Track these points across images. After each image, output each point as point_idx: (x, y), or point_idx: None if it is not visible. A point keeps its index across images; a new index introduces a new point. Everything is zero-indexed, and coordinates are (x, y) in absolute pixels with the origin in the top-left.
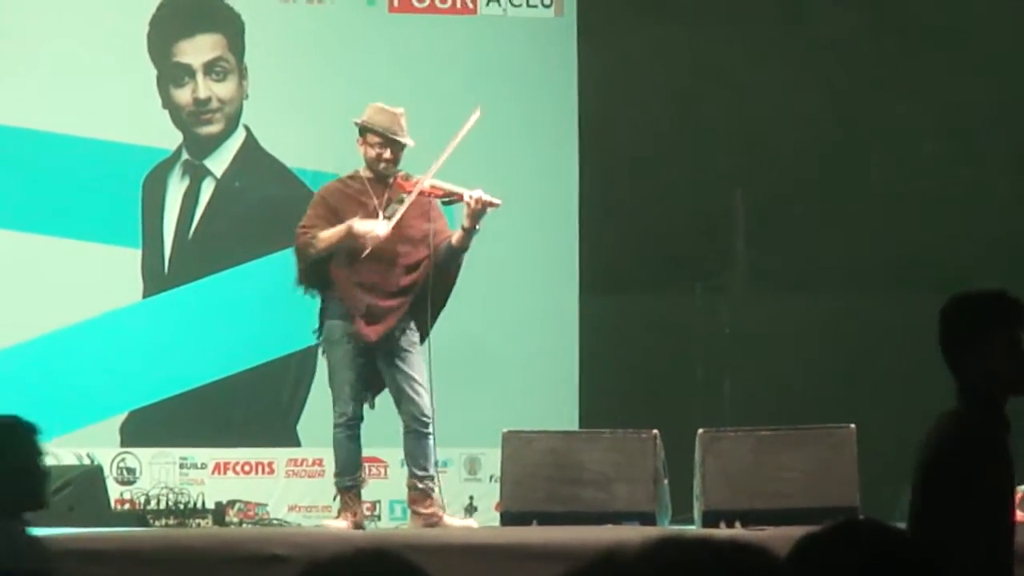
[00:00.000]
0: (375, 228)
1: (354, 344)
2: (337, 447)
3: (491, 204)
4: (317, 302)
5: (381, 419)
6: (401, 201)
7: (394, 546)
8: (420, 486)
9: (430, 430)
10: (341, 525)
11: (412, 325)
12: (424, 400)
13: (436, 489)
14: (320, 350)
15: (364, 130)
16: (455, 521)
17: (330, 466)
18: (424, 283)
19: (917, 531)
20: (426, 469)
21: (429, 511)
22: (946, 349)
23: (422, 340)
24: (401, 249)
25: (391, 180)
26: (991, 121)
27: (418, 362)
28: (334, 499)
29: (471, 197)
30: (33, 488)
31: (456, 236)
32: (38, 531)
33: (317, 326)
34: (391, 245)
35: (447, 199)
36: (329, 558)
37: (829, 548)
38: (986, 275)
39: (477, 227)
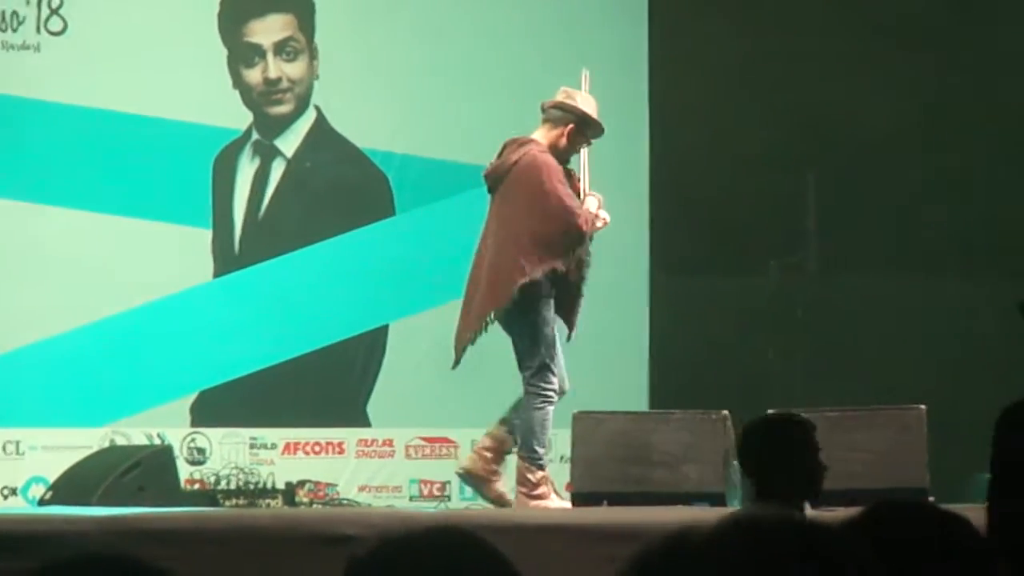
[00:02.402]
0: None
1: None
2: (546, 423)
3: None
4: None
5: (451, 400)
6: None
7: (465, 525)
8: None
9: None
10: (566, 503)
11: None
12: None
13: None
14: (529, 324)
15: (587, 123)
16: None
17: (400, 446)
18: None
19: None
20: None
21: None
22: None
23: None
24: None
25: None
26: None
27: None
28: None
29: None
30: (810, 480)
31: None
32: (107, 510)
33: (519, 298)
34: None
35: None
36: (401, 534)
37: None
38: None
39: None
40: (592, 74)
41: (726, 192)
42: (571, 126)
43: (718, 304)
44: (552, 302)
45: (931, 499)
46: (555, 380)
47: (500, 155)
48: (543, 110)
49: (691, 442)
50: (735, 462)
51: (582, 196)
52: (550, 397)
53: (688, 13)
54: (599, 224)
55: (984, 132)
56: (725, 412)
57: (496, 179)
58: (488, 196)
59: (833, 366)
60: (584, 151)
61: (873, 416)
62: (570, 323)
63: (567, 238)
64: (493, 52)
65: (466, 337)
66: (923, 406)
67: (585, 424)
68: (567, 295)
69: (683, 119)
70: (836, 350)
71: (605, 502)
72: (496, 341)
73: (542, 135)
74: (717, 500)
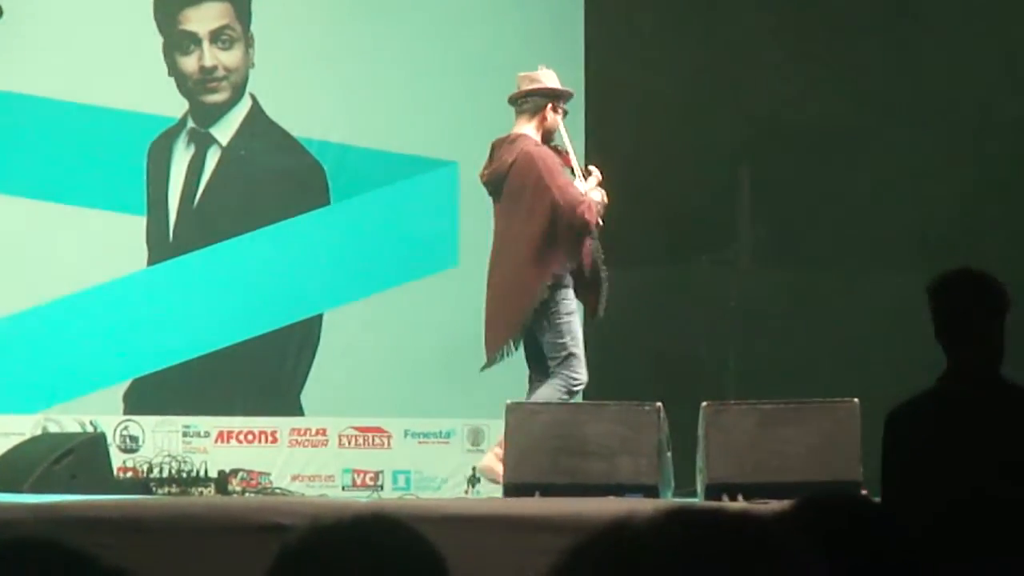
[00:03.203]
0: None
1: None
2: None
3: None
4: (317, 272)
5: (384, 390)
6: (573, 173)
7: (397, 514)
8: None
9: None
10: None
11: None
12: None
13: None
14: (550, 316)
15: (560, 96)
16: None
17: (333, 436)
18: None
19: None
20: None
21: None
22: (945, 324)
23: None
24: None
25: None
26: (999, 96)
27: None
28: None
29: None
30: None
31: None
32: (40, 498)
33: (550, 295)
34: None
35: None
36: (330, 522)
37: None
38: (990, 253)
39: None
40: (528, 65)
41: (660, 185)
42: (548, 105)
43: (651, 296)
44: (571, 291)
45: (865, 492)
46: (582, 371)
47: (492, 157)
48: (513, 103)
49: (625, 433)
50: (668, 454)
51: (577, 172)
52: (575, 386)
53: (624, 6)
54: (598, 208)
55: (920, 127)
56: (659, 404)
57: (496, 182)
58: (491, 201)
59: (766, 359)
60: (561, 123)
61: (806, 409)
62: (595, 306)
63: (573, 230)
64: (429, 41)
65: (499, 346)
66: (856, 399)
67: (519, 415)
68: (586, 282)
69: (618, 112)
70: (769, 342)
71: (537, 493)
72: (428, 333)
73: (525, 127)
74: (650, 492)
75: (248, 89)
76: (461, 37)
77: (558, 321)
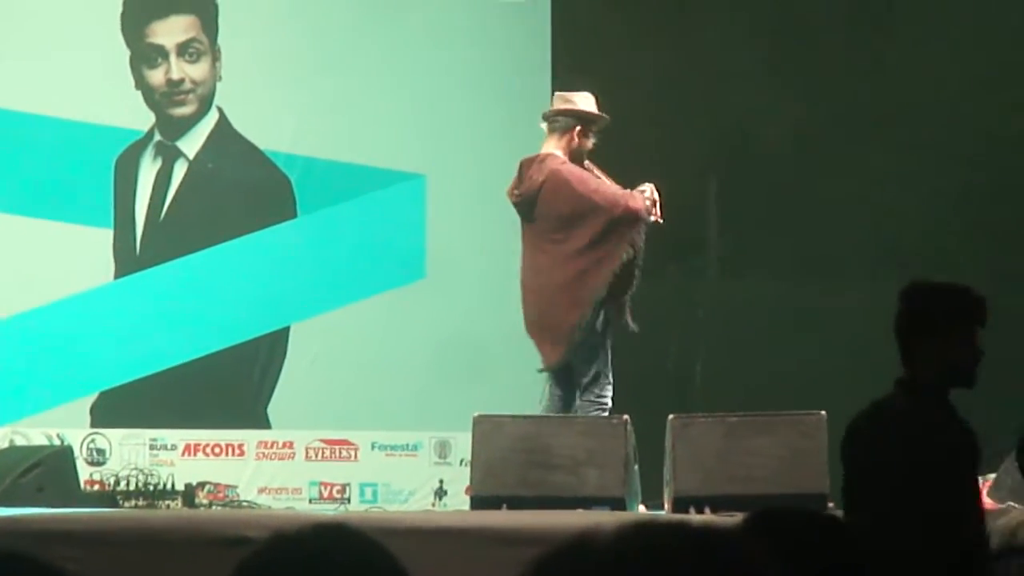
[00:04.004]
0: None
1: None
2: None
3: None
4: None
5: (351, 402)
6: None
7: (363, 528)
8: None
9: None
10: None
11: None
12: None
13: None
14: (595, 340)
15: (591, 120)
16: None
17: (300, 448)
18: None
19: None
20: None
21: None
22: (906, 333)
23: None
24: None
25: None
26: (969, 106)
27: None
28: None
29: None
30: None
31: None
32: (7, 511)
33: (598, 314)
34: None
35: None
36: (292, 534)
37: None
38: (963, 264)
39: None
40: (494, 80)
41: None
42: (578, 127)
43: None
44: (602, 312)
45: (832, 505)
46: (609, 389)
47: (520, 176)
48: (546, 120)
49: (592, 446)
50: (636, 466)
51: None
52: (604, 405)
53: (591, 20)
54: (652, 208)
55: (889, 138)
56: (626, 416)
57: (528, 203)
58: (520, 221)
59: (734, 370)
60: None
61: (773, 422)
62: (622, 308)
63: (624, 223)
64: (396, 55)
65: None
66: (823, 412)
67: (485, 427)
68: (618, 298)
69: None
70: (736, 354)
71: (504, 505)
72: (396, 345)
73: (554, 146)
74: (617, 504)
75: (215, 102)
76: (428, 50)
77: (587, 343)
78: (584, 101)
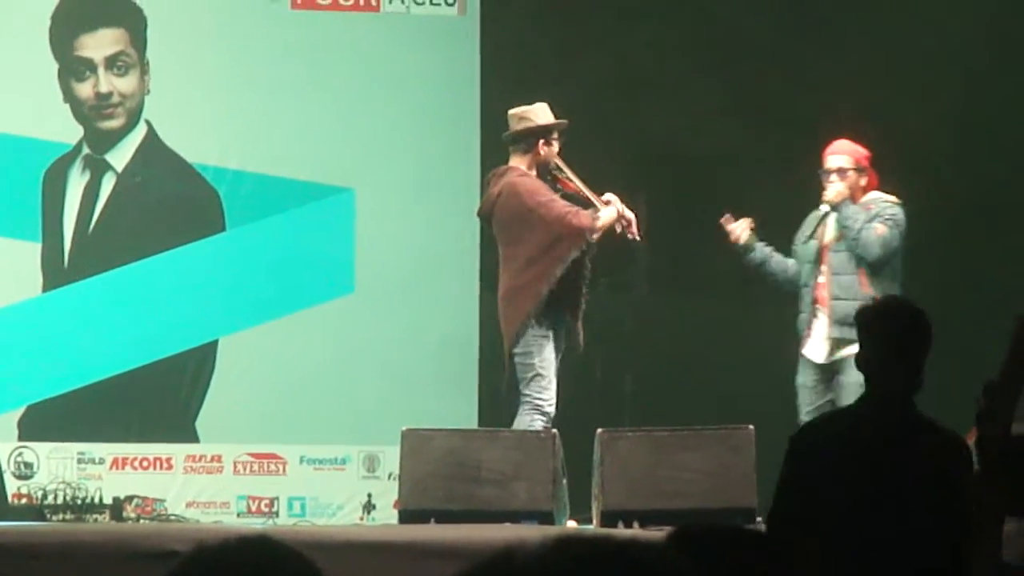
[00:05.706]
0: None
1: None
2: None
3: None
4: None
5: (279, 416)
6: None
7: (291, 542)
8: None
9: None
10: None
11: None
12: None
13: None
14: (533, 344)
15: (550, 130)
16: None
17: (228, 462)
18: None
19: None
20: None
21: None
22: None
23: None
24: None
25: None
26: (902, 119)
27: None
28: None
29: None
30: None
31: None
32: None
33: (536, 318)
34: None
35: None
36: (216, 545)
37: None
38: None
39: None
40: (422, 94)
41: None
42: (539, 142)
43: None
44: (545, 319)
45: (759, 519)
46: (549, 390)
47: (485, 189)
48: (505, 142)
49: (520, 460)
50: (564, 480)
51: (592, 197)
52: (540, 406)
53: (520, 34)
54: (628, 226)
55: (811, 152)
56: (554, 430)
57: (487, 214)
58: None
59: (662, 383)
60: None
61: (702, 436)
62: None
63: (561, 240)
64: (325, 69)
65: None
66: (751, 426)
67: (413, 441)
68: (567, 302)
69: None
70: (665, 368)
71: (433, 520)
72: (324, 359)
73: (518, 161)
74: (545, 518)
75: (144, 115)
76: (356, 65)
77: (527, 344)
78: (539, 114)
